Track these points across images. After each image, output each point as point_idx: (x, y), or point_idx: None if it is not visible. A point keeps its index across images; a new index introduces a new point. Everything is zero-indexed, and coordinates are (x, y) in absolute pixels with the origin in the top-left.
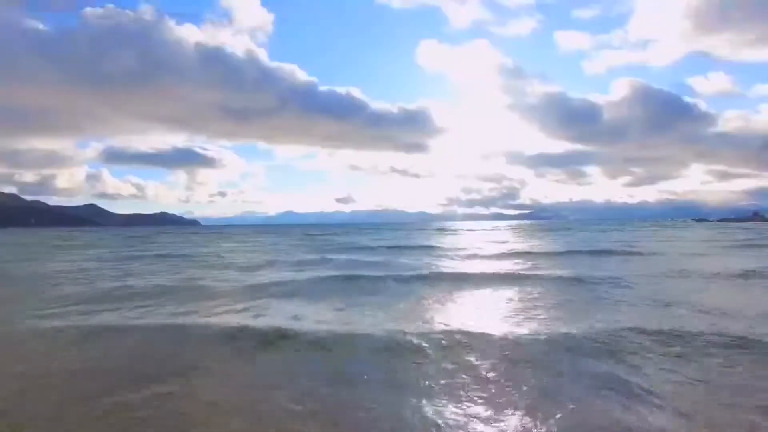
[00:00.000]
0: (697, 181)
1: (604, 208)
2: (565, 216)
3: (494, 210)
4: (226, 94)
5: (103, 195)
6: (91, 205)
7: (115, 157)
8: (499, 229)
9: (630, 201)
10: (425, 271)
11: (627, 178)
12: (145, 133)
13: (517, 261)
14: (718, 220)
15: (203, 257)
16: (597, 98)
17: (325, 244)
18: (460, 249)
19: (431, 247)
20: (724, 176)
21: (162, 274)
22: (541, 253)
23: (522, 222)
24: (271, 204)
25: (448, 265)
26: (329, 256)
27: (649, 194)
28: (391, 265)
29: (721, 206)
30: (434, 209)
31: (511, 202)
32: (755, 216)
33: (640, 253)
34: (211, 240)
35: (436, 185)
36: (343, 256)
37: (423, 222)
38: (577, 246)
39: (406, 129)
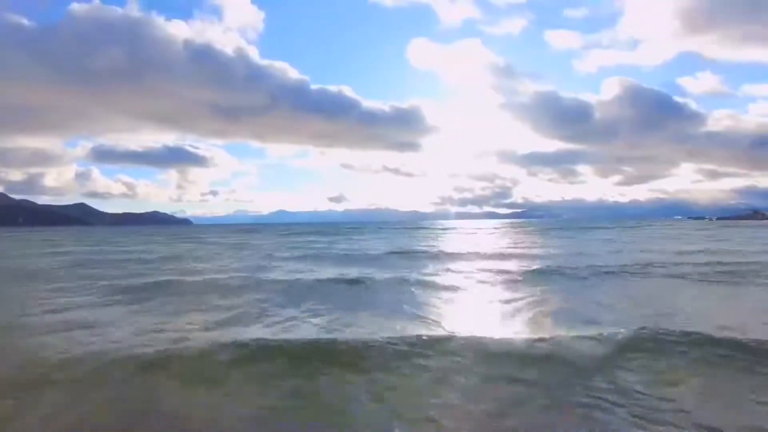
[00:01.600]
0: (687, 180)
1: (596, 207)
2: (558, 215)
3: (487, 209)
4: (216, 92)
5: (94, 194)
6: (81, 204)
7: (104, 155)
8: (510, 230)
9: (621, 200)
10: (456, 334)
11: (618, 177)
12: (134, 132)
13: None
14: (717, 218)
15: (124, 265)
16: (588, 97)
17: (306, 247)
18: (482, 257)
19: (442, 255)
20: (713, 175)
21: None
22: (625, 267)
23: (517, 221)
24: (263, 203)
25: (484, 297)
26: (298, 269)
27: (641, 193)
28: (391, 300)
29: (712, 205)
30: (427, 208)
31: (504, 201)
32: (756, 214)
33: None
34: (175, 241)
35: (428, 184)
36: (317, 274)
37: (416, 221)
38: (651, 252)
39: (398, 128)
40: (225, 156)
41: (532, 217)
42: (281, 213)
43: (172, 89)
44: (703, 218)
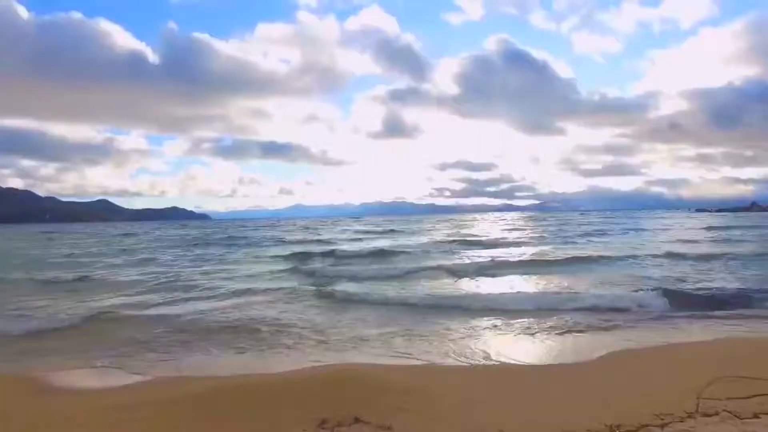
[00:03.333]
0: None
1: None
2: (576, 206)
3: (504, 201)
4: None
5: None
6: (103, 200)
7: None
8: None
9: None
10: None
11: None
12: None
13: None
14: (717, 211)
15: None
16: None
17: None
18: None
19: None
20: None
21: None
22: None
23: (534, 213)
24: (279, 198)
25: None
26: None
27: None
28: None
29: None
30: (442, 201)
31: (518, 194)
32: (753, 206)
33: None
34: (112, 241)
35: (441, 176)
36: None
37: (435, 214)
38: None
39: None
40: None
41: (549, 209)
42: (298, 207)
43: None
44: (706, 210)
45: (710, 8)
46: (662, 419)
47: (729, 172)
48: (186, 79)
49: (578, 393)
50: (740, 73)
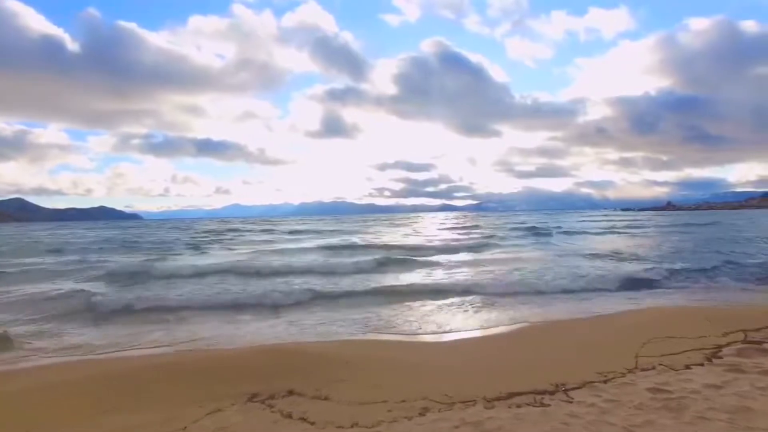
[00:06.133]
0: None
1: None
2: (512, 206)
3: (442, 201)
4: None
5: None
6: (17, 199)
7: None
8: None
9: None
10: None
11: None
12: None
13: None
14: (639, 210)
15: None
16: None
17: None
18: None
19: None
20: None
21: None
22: None
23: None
24: (216, 198)
25: None
26: None
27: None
28: None
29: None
30: (382, 201)
31: (457, 194)
32: (668, 205)
33: None
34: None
35: (381, 176)
36: None
37: (374, 213)
38: None
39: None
40: (176, 150)
41: (486, 209)
42: (235, 207)
43: None
44: (631, 210)
45: (628, 21)
46: (605, 376)
47: (648, 174)
48: (111, 71)
49: (522, 358)
50: (655, 84)
